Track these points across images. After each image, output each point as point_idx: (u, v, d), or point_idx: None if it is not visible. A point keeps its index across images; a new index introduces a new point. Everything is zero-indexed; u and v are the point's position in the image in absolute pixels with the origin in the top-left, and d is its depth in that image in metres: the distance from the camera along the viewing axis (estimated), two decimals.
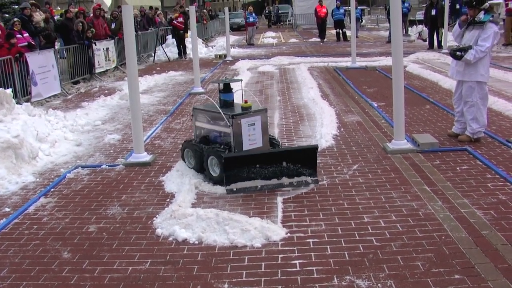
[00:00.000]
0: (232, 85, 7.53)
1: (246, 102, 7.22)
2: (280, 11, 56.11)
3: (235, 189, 6.65)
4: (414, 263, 4.68)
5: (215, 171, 6.96)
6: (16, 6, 20.69)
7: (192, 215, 5.67)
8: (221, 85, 7.48)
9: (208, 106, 7.55)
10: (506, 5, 22.85)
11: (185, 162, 7.58)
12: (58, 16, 23.07)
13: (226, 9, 25.60)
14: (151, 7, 32.45)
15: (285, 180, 6.79)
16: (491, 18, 7.99)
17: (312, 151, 6.96)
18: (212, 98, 7.79)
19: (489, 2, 8.17)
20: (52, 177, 7.72)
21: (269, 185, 6.74)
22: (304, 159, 6.86)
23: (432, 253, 4.84)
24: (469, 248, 4.89)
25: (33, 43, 15.20)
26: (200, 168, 7.24)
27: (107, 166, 8.07)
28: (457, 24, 8.46)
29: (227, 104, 7.29)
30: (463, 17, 8.21)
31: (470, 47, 7.94)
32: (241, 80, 8.26)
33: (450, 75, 8.86)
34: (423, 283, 4.34)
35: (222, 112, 6.99)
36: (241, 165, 6.69)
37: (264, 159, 6.79)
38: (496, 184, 6.54)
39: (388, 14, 27.96)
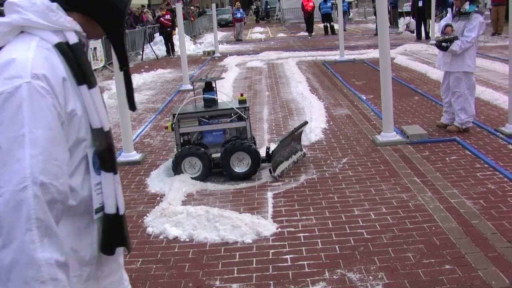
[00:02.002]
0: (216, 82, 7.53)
1: (242, 95, 7.34)
2: (269, 6, 56.08)
3: (279, 174, 6.91)
4: (405, 254, 4.70)
5: (241, 167, 6.95)
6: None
7: (182, 213, 5.66)
8: (204, 84, 7.47)
9: (190, 108, 7.43)
10: None
11: (180, 174, 7.01)
12: None
13: (214, 5, 25.55)
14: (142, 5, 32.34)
15: (294, 157, 7.36)
16: (476, 9, 8.02)
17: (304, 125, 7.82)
18: (190, 96, 7.73)
19: None
20: None
21: (290, 165, 7.22)
22: (299, 137, 7.56)
23: (423, 244, 4.86)
24: (459, 238, 4.92)
25: None
26: (207, 174, 7.01)
27: None
28: (443, 22, 8.45)
29: (210, 102, 7.27)
30: (448, 29, 8.17)
31: (456, 38, 7.96)
32: (223, 78, 8.28)
33: (437, 66, 8.89)
34: (414, 274, 4.36)
35: (235, 108, 7.01)
36: (278, 151, 7.01)
37: (288, 142, 7.27)
38: (485, 173, 6.57)
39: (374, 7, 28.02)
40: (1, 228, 1.73)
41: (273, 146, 7.36)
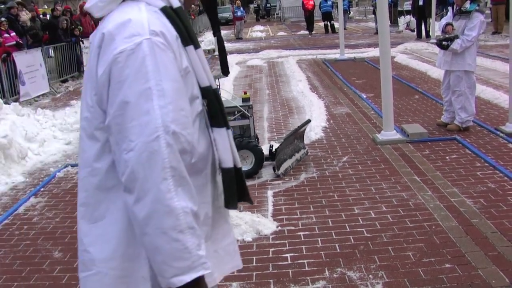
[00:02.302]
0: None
1: (245, 93, 7.38)
2: (269, 5, 55.91)
3: (283, 172, 6.93)
4: (405, 253, 4.70)
5: (245, 165, 6.89)
6: (3, 6, 20.51)
7: None
8: None
9: None
10: None
11: None
12: (42, 15, 22.91)
13: None
14: None
15: (297, 155, 7.36)
16: (477, 8, 8.01)
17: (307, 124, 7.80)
18: None
19: None
20: (41, 176, 7.69)
21: (293, 163, 7.22)
22: (302, 135, 7.58)
23: (423, 243, 4.86)
24: (459, 237, 4.92)
25: (21, 42, 15.12)
26: None
27: None
28: (443, 21, 8.45)
29: None
30: (448, 28, 8.16)
31: (456, 37, 7.95)
32: (226, 76, 8.27)
33: (437, 65, 8.89)
34: (414, 273, 4.36)
35: (239, 106, 7.03)
36: (282, 149, 7.00)
37: (291, 140, 7.27)
38: (485, 172, 6.57)
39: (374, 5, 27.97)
40: (134, 182, 1.77)
41: (275, 145, 7.36)
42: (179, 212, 1.76)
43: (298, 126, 7.57)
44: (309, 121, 8.00)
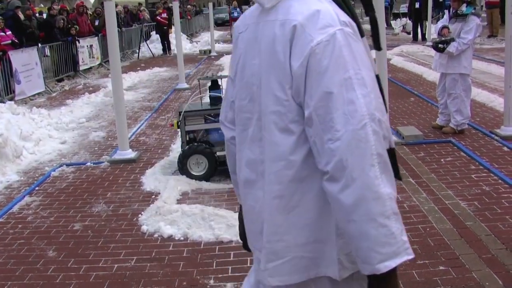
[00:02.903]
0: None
1: None
2: None
3: None
4: None
5: None
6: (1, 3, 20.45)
7: (177, 212, 5.66)
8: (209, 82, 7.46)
9: (196, 105, 7.43)
10: None
11: (184, 174, 6.96)
12: (38, 14, 22.85)
13: (211, 4, 25.50)
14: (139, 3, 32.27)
15: None
16: (473, 11, 8.04)
17: None
18: (197, 94, 7.74)
19: None
20: (36, 175, 7.67)
21: None
22: None
23: (417, 245, 4.87)
24: (454, 239, 4.93)
25: (16, 41, 15.08)
26: (212, 173, 6.95)
27: (92, 164, 8.03)
28: (440, 24, 8.47)
29: (216, 100, 7.26)
30: (444, 31, 8.18)
31: (452, 40, 7.97)
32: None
33: (433, 67, 8.90)
34: (409, 275, 4.36)
35: None
36: None
37: None
38: (480, 175, 6.58)
39: None
40: (343, 170, 1.81)
41: None
42: (386, 198, 1.81)
43: None
44: None
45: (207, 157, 6.88)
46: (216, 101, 7.19)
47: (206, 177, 6.90)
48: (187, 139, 7.11)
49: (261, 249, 2.13)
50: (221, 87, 7.33)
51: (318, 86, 1.85)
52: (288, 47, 1.91)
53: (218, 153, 6.98)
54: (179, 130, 7.19)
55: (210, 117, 7.08)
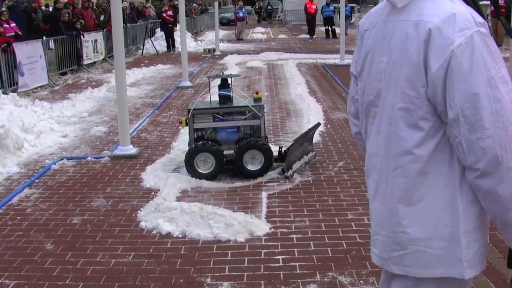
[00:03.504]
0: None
1: (257, 93, 7.37)
2: (272, 7, 55.84)
3: (292, 173, 6.91)
4: None
5: (254, 165, 6.93)
6: None
7: (177, 209, 5.67)
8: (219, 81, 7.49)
9: (205, 104, 7.43)
10: (491, 6, 22.98)
11: (191, 172, 6.93)
12: (44, 7, 22.87)
13: (216, 3, 25.53)
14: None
15: (305, 158, 7.33)
16: None
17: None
18: (200, 93, 7.76)
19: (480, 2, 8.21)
20: (37, 168, 7.68)
21: (302, 165, 7.21)
22: (311, 138, 7.59)
23: None
24: None
25: (20, 33, 15.09)
26: (219, 171, 6.95)
27: (92, 158, 8.04)
28: None
29: (225, 99, 7.28)
30: None
31: None
32: (240, 75, 8.29)
33: None
34: None
35: (250, 105, 7.02)
36: (292, 151, 7.00)
37: (301, 142, 7.27)
38: None
39: None
40: (497, 166, 1.93)
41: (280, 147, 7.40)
42: None
43: (308, 129, 7.59)
44: (319, 124, 7.98)
45: (215, 155, 6.88)
46: (225, 99, 7.21)
47: (213, 175, 6.90)
48: (195, 137, 7.12)
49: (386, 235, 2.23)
50: (230, 86, 7.34)
51: (462, 87, 1.93)
52: (423, 48, 1.99)
53: (225, 152, 7.00)
54: (186, 127, 7.20)
55: (218, 116, 7.09)
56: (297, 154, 7.20)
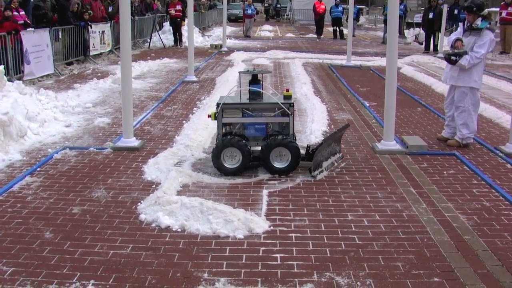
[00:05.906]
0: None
1: (287, 90, 7.34)
2: (280, 5, 55.69)
3: (318, 173, 6.91)
4: (394, 263, 4.70)
5: (281, 162, 6.91)
6: None
7: (177, 203, 5.66)
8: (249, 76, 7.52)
9: (235, 98, 7.41)
10: (500, 13, 22.93)
11: (217, 166, 6.94)
12: None
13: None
14: None
15: (332, 158, 7.30)
16: (488, 26, 8.01)
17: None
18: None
19: (487, 9, 8.19)
20: (39, 156, 7.68)
21: (328, 165, 7.17)
22: (339, 138, 7.52)
23: (413, 254, 4.86)
24: (450, 252, 4.92)
25: (28, 21, 15.11)
26: (245, 167, 6.93)
27: (95, 149, 8.04)
28: (453, 36, 8.45)
29: (255, 95, 7.25)
30: (458, 43, 8.16)
31: (465, 53, 7.96)
32: (271, 72, 8.26)
33: (443, 79, 8.88)
34: (402, 284, 4.36)
35: (280, 103, 7.00)
36: (320, 150, 6.97)
37: (330, 143, 7.23)
38: (481, 190, 6.57)
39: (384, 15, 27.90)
40: None
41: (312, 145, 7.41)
42: None
43: (337, 130, 7.56)
44: (348, 125, 7.91)
45: (241, 150, 6.86)
46: (255, 95, 7.19)
47: (239, 171, 6.90)
48: (223, 131, 7.12)
49: None
50: (261, 82, 7.32)
51: None
52: None
53: (252, 148, 6.99)
54: (215, 121, 7.16)
55: (247, 111, 7.08)
56: (325, 154, 7.17)
